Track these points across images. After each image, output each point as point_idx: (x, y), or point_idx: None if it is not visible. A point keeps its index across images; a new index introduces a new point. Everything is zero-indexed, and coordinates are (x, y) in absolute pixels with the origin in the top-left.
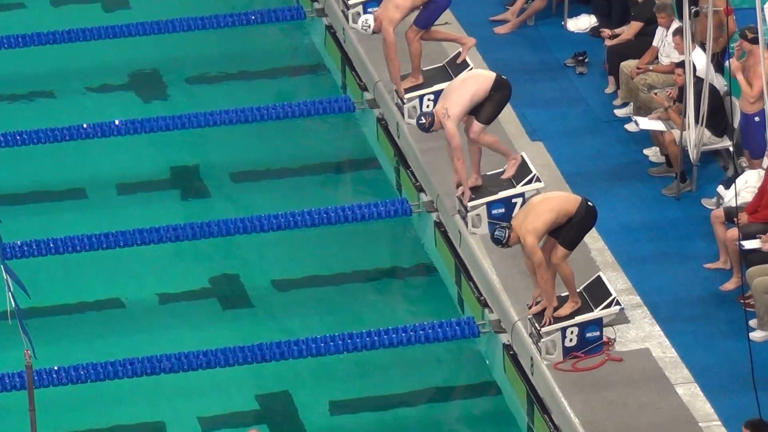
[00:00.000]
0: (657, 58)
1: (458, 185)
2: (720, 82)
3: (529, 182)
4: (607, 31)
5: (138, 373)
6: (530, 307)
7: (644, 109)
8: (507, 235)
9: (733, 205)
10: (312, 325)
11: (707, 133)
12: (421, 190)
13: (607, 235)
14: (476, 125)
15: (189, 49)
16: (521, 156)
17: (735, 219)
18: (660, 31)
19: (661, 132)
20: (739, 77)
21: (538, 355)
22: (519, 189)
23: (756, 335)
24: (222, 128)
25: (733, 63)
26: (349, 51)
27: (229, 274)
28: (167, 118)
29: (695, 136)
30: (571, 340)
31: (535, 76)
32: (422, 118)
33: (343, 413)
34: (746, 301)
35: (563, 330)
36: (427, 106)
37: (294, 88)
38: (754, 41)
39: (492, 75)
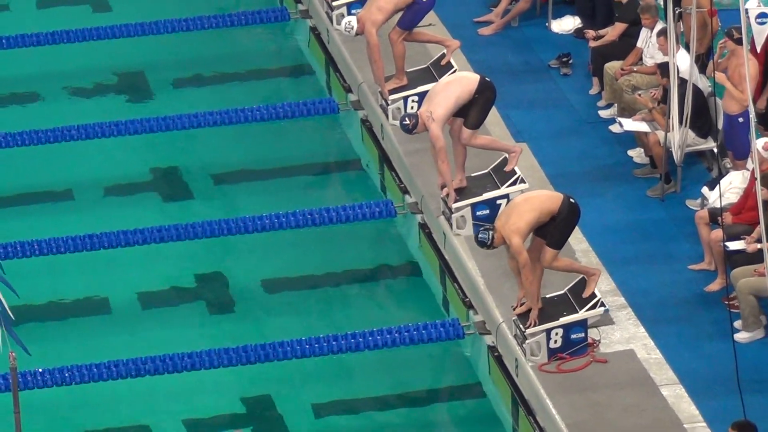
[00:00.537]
0: (641, 59)
1: (443, 187)
2: (704, 83)
3: (514, 183)
4: (591, 33)
5: (123, 375)
6: (515, 308)
7: (628, 111)
8: (491, 236)
9: (718, 206)
10: (297, 326)
11: (691, 134)
12: (405, 191)
13: (592, 236)
14: (465, 131)
15: (173, 51)
16: (522, 148)
17: (719, 220)
18: (644, 32)
19: (646, 133)
20: (727, 84)
21: (523, 356)
22: (503, 190)
23: (740, 336)
24: (206, 130)
25: (718, 74)
26: (334, 52)
27: (214, 275)
28: (151, 119)
29: (679, 138)
30: (555, 341)
31: (519, 78)
32: (406, 119)
33: (327, 415)
34: (731, 303)
35: (548, 331)
36: (412, 108)
37: (278, 90)
38: (740, 42)
39: (476, 77)
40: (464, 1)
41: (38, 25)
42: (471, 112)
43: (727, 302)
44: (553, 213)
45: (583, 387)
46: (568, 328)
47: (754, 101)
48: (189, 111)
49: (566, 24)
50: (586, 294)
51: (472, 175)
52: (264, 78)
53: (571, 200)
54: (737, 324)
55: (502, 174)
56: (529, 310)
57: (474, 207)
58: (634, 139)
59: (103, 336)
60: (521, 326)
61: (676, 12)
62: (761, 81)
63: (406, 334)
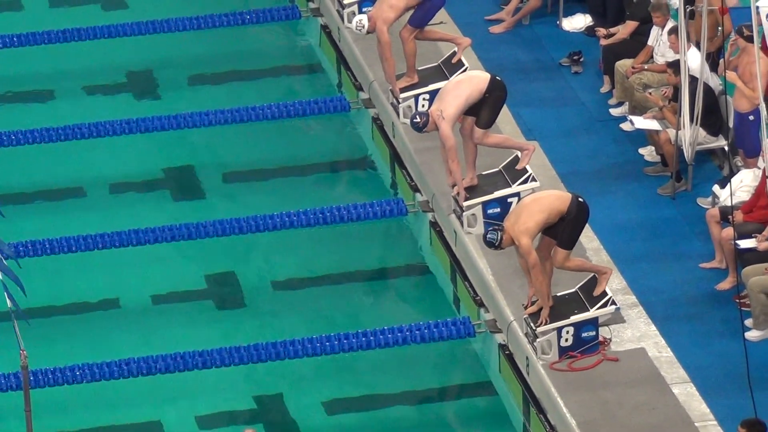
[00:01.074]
0: (652, 57)
1: (453, 185)
2: (715, 82)
3: (525, 182)
4: (602, 31)
5: (134, 373)
6: (526, 307)
7: (639, 109)
8: (499, 237)
9: (729, 204)
10: (307, 325)
11: (702, 132)
12: (416, 189)
13: (603, 234)
14: (477, 131)
15: (184, 49)
16: (535, 146)
17: (730, 218)
18: (655, 31)
19: (657, 131)
20: (738, 83)
21: (534, 354)
22: (514, 188)
23: (751, 335)
24: (217, 128)
25: (729, 73)
26: (345, 50)
27: (225, 274)
28: (162, 117)
29: (690, 136)
30: (566, 339)
31: (530, 76)
32: (417, 117)
33: (338, 413)
34: (742, 301)
35: (559, 330)
36: (423, 106)
37: (289, 88)
38: (751, 39)
39: (487, 76)
40: None
41: (50, 23)
42: (482, 112)
43: (738, 300)
44: (562, 213)
45: (594, 385)
46: (579, 326)
47: (766, 99)
48: (200, 109)
49: (577, 22)
50: (597, 292)
51: (483, 173)
52: (275, 76)
53: (580, 199)
54: (748, 322)
55: (513, 172)
56: (540, 309)
57: (485, 205)
58: (645, 137)
59: (115, 334)
60: (532, 324)
61: (688, 10)
62: None
63: (417, 332)
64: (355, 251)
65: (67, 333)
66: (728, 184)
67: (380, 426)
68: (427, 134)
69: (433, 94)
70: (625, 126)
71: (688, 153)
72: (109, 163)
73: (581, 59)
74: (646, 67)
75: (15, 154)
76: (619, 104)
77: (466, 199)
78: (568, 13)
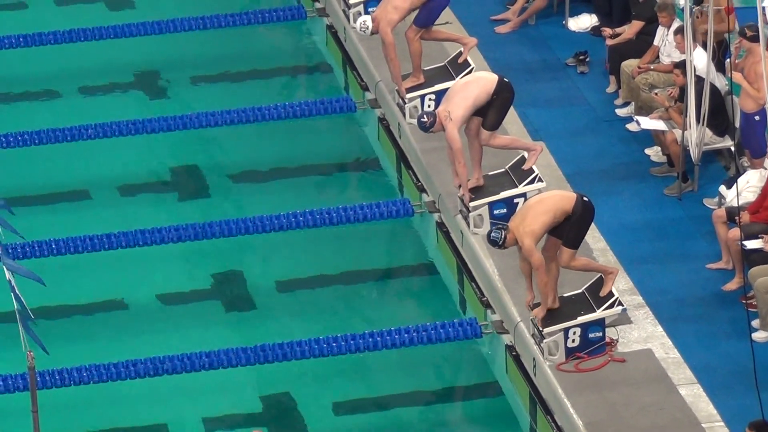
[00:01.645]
0: (658, 57)
1: (460, 186)
2: (721, 82)
3: (531, 182)
4: (608, 31)
5: (141, 374)
6: (532, 309)
7: (645, 109)
8: (503, 236)
9: (735, 204)
10: (314, 325)
11: (708, 132)
12: (422, 190)
13: (609, 235)
14: (484, 133)
15: (190, 49)
16: (542, 147)
17: (737, 219)
18: (661, 31)
19: (663, 131)
20: (744, 83)
21: (541, 355)
22: (521, 189)
23: (758, 335)
24: (224, 128)
25: (735, 74)
26: (350, 51)
27: (232, 274)
28: (168, 118)
29: (697, 136)
30: (573, 340)
31: (536, 76)
32: (424, 117)
33: (345, 414)
34: (748, 302)
35: (566, 331)
36: (429, 106)
37: (295, 88)
38: (754, 39)
39: (494, 78)
40: None
41: (56, 23)
42: (489, 113)
43: (744, 301)
44: (567, 213)
45: (600, 386)
46: (585, 327)
47: None
48: (206, 109)
49: (583, 22)
50: (603, 293)
51: (490, 173)
52: (281, 76)
53: (585, 199)
54: (755, 323)
55: (519, 172)
56: (546, 309)
57: (491, 205)
58: (651, 137)
59: (121, 335)
60: (539, 326)
61: (694, 10)
62: None
63: (423, 333)
64: (362, 252)
65: (73, 334)
66: (735, 184)
67: (387, 427)
68: (434, 135)
69: (439, 94)
70: (631, 126)
71: (694, 153)
72: (115, 163)
73: (587, 59)
74: (652, 67)
75: (21, 155)
76: (625, 104)
77: (472, 200)
78: (574, 13)
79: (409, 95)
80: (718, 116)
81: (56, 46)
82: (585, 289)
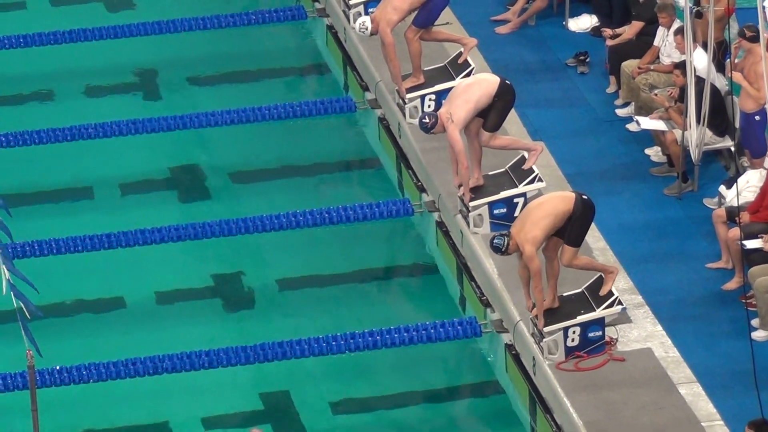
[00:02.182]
0: (658, 57)
1: (460, 185)
2: (721, 82)
3: (531, 182)
4: (608, 31)
5: (140, 373)
6: (531, 309)
7: (645, 109)
8: (506, 243)
9: (735, 204)
10: (314, 324)
11: (708, 132)
12: (422, 190)
13: (609, 235)
14: (484, 134)
15: (190, 50)
16: (542, 147)
17: (737, 219)
18: (661, 31)
19: (663, 132)
20: (744, 83)
21: (540, 354)
22: (521, 189)
23: (758, 335)
24: (224, 128)
25: (735, 74)
26: (351, 51)
27: (231, 274)
28: (169, 118)
29: (697, 136)
30: (573, 339)
31: (536, 76)
32: (426, 117)
33: (345, 413)
34: (748, 301)
35: (565, 330)
36: (429, 106)
37: (295, 89)
38: (753, 40)
39: (496, 80)
40: None
41: (54, 23)
42: (490, 115)
43: (744, 301)
44: (568, 214)
45: (600, 385)
46: (585, 326)
47: None
48: (206, 110)
49: (583, 22)
50: (603, 292)
51: (490, 173)
52: (281, 76)
53: (584, 197)
54: (755, 322)
55: (519, 172)
56: (545, 310)
57: (491, 205)
58: (651, 137)
59: (121, 334)
60: (538, 324)
61: (694, 11)
62: None
63: (423, 332)
64: (362, 251)
65: (73, 333)
66: (734, 184)
67: (387, 426)
68: (434, 135)
69: (440, 94)
70: (631, 126)
71: (694, 153)
72: (115, 163)
73: (587, 60)
74: (652, 68)
75: (21, 154)
76: (625, 105)
77: (472, 200)
78: (574, 13)
79: (409, 95)
80: (718, 116)
81: (56, 47)
82: (585, 288)
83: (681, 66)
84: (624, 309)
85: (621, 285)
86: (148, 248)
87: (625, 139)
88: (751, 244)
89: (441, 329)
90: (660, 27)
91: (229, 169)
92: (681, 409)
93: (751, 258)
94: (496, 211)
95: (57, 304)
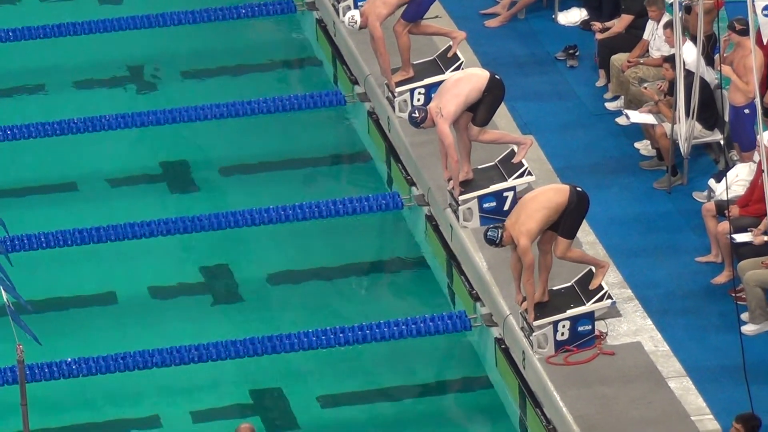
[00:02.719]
0: (647, 51)
1: (449, 179)
2: (711, 76)
3: (521, 176)
4: (597, 25)
5: (130, 367)
6: (521, 303)
7: (635, 103)
8: (500, 235)
9: (724, 198)
10: (303, 318)
11: (698, 126)
12: (412, 183)
13: (599, 228)
14: (473, 129)
15: (179, 43)
16: (532, 140)
17: (726, 212)
18: (650, 25)
19: (652, 125)
20: (733, 76)
21: (530, 348)
22: (510, 182)
23: (747, 328)
24: (213, 122)
25: (724, 67)
26: (340, 44)
27: (220, 268)
28: (157, 112)
29: (686, 130)
30: (562, 333)
31: (525, 70)
32: (415, 112)
33: (334, 407)
34: (737, 295)
35: (555, 324)
36: (418, 100)
37: (285, 82)
38: (743, 33)
39: (486, 75)
40: None
41: (44, 17)
42: (479, 110)
43: (734, 294)
44: (563, 206)
45: (590, 379)
46: (575, 320)
47: (761, 93)
48: (195, 103)
49: (573, 16)
50: (593, 286)
51: (479, 167)
52: (270, 70)
53: (578, 189)
54: (744, 316)
55: (508, 166)
56: (535, 304)
57: (481, 199)
58: (640, 131)
59: (111, 328)
60: (528, 318)
61: (683, 4)
62: (767, 73)
63: (413, 326)
64: (351, 245)
65: (62, 327)
66: (724, 178)
67: (376, 419)
68: (423, 129)
69: (429, 88)
70: (621, 120)
71: (683, 147)
72: (104, 157)
73: (577, 53)
74: (641, 61)
75: (10, 148)
76: (615, 98)
77: (462, 194)
78: (564, 7)
79: (398, 89)
80: (707, 110)
81: (45, 40)
82: (574, 282)
83: (670, 59)
84: (614, 303)
85: (610, 279)
86: (138, 242)
87: (615, 132)
88: (741, 237)
89: (431, 323)
90: (649, 20)
91: (218, 162)
92: (670, 402)
93: (741, 252)
94: (485, 205)
95: (46, 298)
